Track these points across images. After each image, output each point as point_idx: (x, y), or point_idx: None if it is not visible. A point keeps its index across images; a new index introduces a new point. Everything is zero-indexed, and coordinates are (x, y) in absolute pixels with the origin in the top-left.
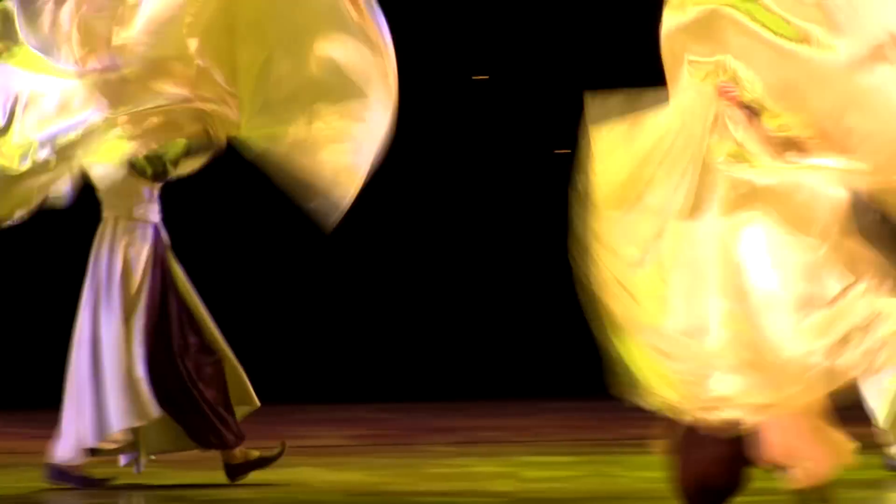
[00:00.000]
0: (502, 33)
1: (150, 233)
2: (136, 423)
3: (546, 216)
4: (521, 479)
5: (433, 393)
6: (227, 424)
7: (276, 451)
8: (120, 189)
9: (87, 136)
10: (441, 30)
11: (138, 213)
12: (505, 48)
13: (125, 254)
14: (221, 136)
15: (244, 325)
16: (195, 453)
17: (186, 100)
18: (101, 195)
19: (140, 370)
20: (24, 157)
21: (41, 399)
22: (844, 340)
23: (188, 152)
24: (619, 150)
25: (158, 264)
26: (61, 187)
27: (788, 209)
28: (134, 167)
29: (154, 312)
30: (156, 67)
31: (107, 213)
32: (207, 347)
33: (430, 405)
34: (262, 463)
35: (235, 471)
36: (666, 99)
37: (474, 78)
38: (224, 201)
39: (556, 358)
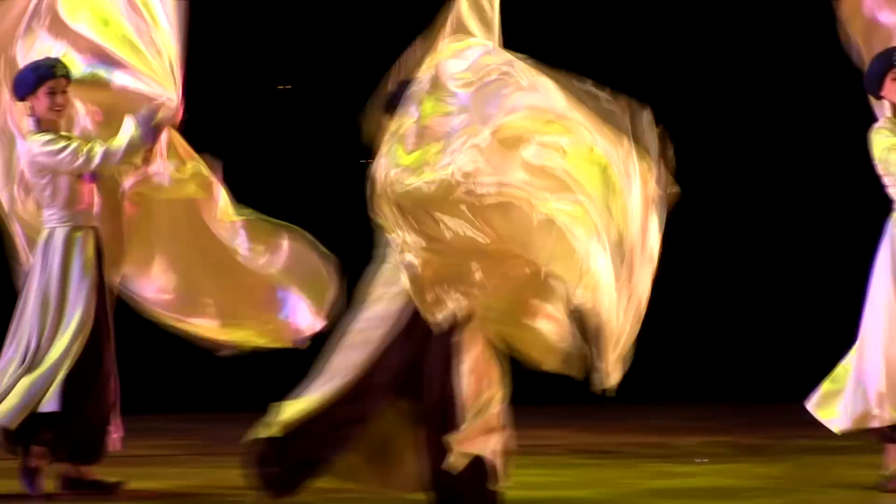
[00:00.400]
0: (306, 43)
1: (91, 237)
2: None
3: (351, 226)
4: (322, 486)
5: (236, 404)
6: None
7: (114, 482)
8: (65, 195)
9: None
10: (245, 40)
11: (83, 218)
12: (309, 58)
13: (68, 258)
14: None
15: None
16: None
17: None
18: (44, 201)
19: (60, 373)
20: None
21: None
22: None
23: None
24: None
25: (98, 267)
26: None
27: None
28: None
29: (91, 314)
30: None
31: (49, 221)
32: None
33: (233, 416)
34: (98, 486)
35: (74, 483)
36: None
37: (279, 88)
38: None
39: None
